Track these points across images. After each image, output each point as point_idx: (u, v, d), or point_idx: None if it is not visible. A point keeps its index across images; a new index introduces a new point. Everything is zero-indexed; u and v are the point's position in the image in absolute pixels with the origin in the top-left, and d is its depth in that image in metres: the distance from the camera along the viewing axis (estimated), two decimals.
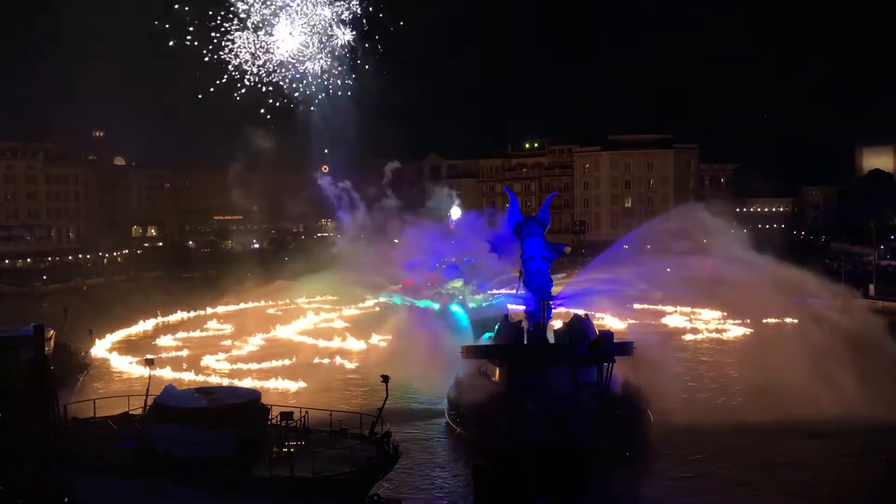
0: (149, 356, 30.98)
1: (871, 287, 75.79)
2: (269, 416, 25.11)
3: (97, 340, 56.79)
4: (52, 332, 42.86)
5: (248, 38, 64.29)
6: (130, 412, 26.69)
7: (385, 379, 25.77)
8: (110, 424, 25.54)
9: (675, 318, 67.12)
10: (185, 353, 54.63)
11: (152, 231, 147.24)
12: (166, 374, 45.33)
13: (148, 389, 26.24)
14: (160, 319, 67.48)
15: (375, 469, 24.01)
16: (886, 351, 39.83)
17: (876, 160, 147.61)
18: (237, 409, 23.92)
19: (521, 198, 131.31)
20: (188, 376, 45.84)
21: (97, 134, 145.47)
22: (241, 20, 63.74)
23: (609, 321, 59.71)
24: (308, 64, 67.28)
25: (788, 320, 60.00)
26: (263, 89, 67.06)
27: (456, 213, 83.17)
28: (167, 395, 24.58)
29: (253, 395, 25.40)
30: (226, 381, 44.37)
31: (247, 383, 43.19)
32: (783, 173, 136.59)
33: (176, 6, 61.31)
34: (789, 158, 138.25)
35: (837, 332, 42.08)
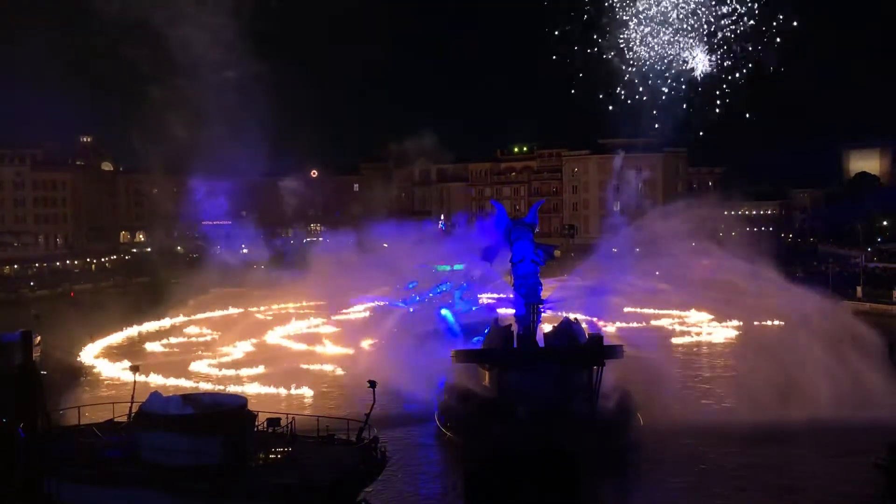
0: (132, 363, 30.78)
1: (859, 289, 76.27)
2: (256, 423, 24.93)
3: (86, 346, 56.53)
4: (38, 338, 42.64)
5: None
6: (116, 419, 26.45)
7: (372, 384, 25.67)
8: (95, 432, 25.30)
9: (663, 320, 67.27)
10: (172, 358, 54.27)
11: (140, 237, 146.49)
12: (154, 380, 45.02)
13: (133, 396, 26.02)
14: (148, 325, 67.05)
15: (362, 475, 23.89)
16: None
17: (862, 163, 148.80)
18: (223, 416, 23.75)
19: (511, 202, 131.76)
20: (176, 382, 45.48)
21: (85, 139, 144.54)
22: None
23: (598, 324, 59.65)
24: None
25: (776, 322, 60.43)
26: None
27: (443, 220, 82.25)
28: (153, 402, 24.39)
29: (239, 402, 25.22)
30: (213, 387, 44.02)
31: (234, 389, 42.91)
32: (771, 176, 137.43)
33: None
34: (777, 162, 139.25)
35: (823, 334, 42.30)
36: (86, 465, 23.39)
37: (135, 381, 27.97)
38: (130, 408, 25.64)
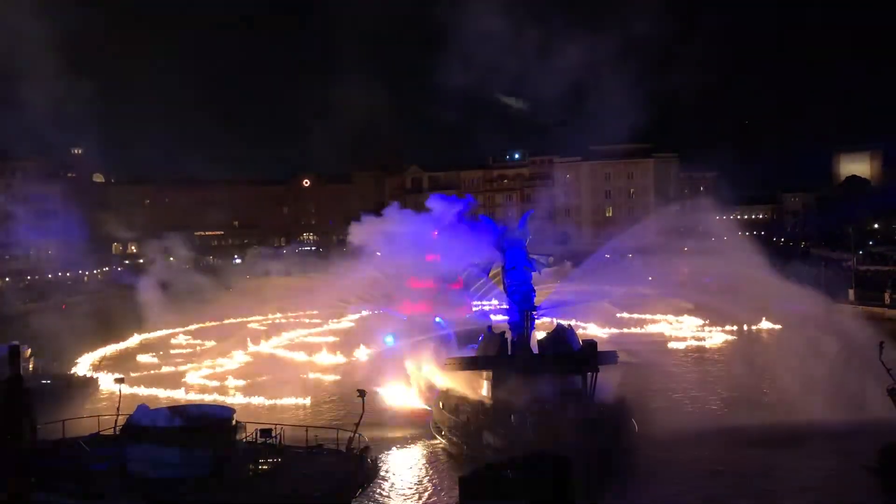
0: (118, 375, 30.55)
1: (851, 292, 76.40)
2: (245, 433, 24.66)
3: (79, 358, 56.17)
4: (28, 350, 42.24)
5: None
6: (102, 432, 26.12)
7: (361, 393, 25.54)
8: (82, 445, 24.95)
9: (658, 326, 67.27)
10: (165, 370, 53.97)
11: (132, 248, 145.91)
12: (145, 392, 44.76)
13: (118, 409, 25.78)
14: (141, 337, 66.72)
15: (352, 484, 23.66)
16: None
17: (853, 167, 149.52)
18: (211, 428, 23.49)
19: (503, 209, 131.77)
20: (167, 393, 45.21)
21: (76, 151, 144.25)
22: None
23: (593, 330, 59.65)
24: None
25: (770, 326, 60.52)
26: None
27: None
28: (140, 414, 24.10)
29: (227, 413, 24.96)
30: (205, 398, 43.74)
31: (228, 400, 42.60)
32: (762, 181, 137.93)
33: None
34: (768, 166, 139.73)
35: (817, 337, 42.31)
36: (73, 478, 23.09)
37: (120, 393, 27.73)
38: (116, 420, 25.38)
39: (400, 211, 60.03)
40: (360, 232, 61.00)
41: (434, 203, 58.74)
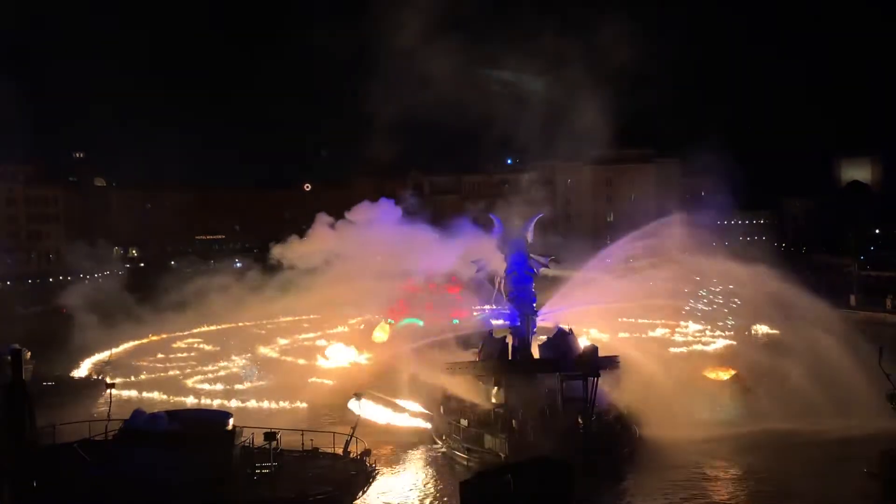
0: (109, 380, 30.54)
1: (852, 298, 76.22)
2: (242, 438, 24.62)
3: (81, 362, 56.16)
4: (29, 353, 42.19)
5: None
6: (94, 438, 25.98)
7: (358, 397, 25.59)
8: (78, 450, 24.87)
9: (659, 331, 67.21)
10: (165, 374, 53.97)
11: (133, 252, 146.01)
12: (143, 395, 44.76)
13: (109, 414, 25.74)
14: (140, 341, 66.70)
15: (350, 488, 23.69)
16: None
17: (854, 172, 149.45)
18: (207, 432, 23.45)
19: (503, 213, 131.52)
20: (167, 398, 45.20)
21: (77, 155, 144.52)
22: None
23: (594, 335, 59.50)
24: None
25: (770, 331, 60.34)
26: None
27: None
28: (136, 418, 24.04)
29: (224, 417, 24.91)
30: (205, 402, 43.74)
31: (225, 404, 42.61)
32: (763, 185, 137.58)
33: None
34: (769, 171, 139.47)
35: (817, 343, 42.26)
36: (69, 484, 23.03)
37: (111, 398, 27.71)
38: (107, 426, 25.33)
39: (330, 227, 60.41)
40: (287, 254, 61.78)
41: (357, 214, 59.62)
